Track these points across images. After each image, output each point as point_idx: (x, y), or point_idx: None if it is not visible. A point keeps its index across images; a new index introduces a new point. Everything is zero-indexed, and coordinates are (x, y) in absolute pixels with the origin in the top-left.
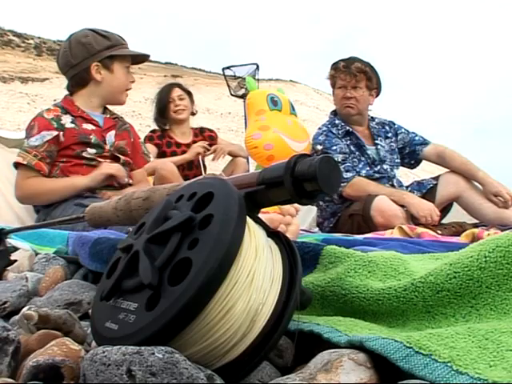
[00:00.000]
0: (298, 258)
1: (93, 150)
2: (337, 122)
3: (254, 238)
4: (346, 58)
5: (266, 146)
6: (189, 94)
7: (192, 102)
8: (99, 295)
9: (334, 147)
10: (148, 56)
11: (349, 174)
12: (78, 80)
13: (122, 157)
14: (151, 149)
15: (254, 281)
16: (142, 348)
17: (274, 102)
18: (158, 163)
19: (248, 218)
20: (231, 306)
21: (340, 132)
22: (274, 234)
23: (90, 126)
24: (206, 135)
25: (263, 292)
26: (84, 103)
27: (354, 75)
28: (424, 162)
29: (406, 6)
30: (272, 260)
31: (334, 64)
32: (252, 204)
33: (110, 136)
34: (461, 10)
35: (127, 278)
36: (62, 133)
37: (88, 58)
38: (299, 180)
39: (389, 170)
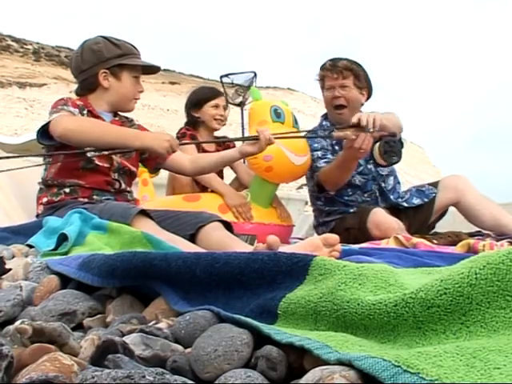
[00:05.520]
0: None
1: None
2: (324, 123)
3: None
4: (332, 58)
5: (266, 157)
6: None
7: None
8: None
9: (316, 144)
10: (159, 68)
11: (322, 164)
12: (87, 85)
13: (118, 160)
14: (192, 149)
15: None
16: (132, 372)
17: (277, 114)
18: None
19: None
20: None
21: (326, 132)
22: None
23: None
24: (226, 146)
25: None
26: (94, 104)
27: (341, 72)
28: (423, 170)
29: (404, 14)
30: None
31: (321, 66)
32: None
33: None
34: (460, 18)
35: None
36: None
37: (97, 64)
38: None
39: (373, 169)
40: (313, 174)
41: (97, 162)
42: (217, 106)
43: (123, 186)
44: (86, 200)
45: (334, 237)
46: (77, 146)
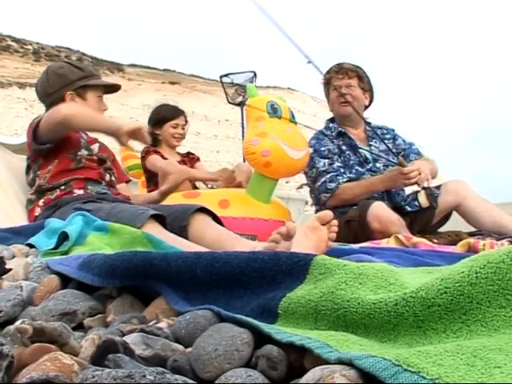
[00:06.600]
0: None
1: (84, 152)
2: (331, 125)
3: None
4: (337, 63)
5: (264, 152)
6: (187, 122)
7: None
8: None
9: (323, 148)
10: (119, 87)
11: (332, 185)
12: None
13: (108, 162)
14: (159, 160)
15: None
16: (133, 371)
17: (273, 109)
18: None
19: None
20: None
21: (333, 134)
22: None
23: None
24: (190, 158)
25: None
26: None
27: (346, 72)
28: None
29: (404, 14)
30: None
31: (327, 71)
32: None
33: (95, 147)
34: (460, 18)
35: None
36: None
37: (63, 87)
38: None
39: (382, 168)
40: (315, 187)
41: (84, 161)
42: (176, 126)
43: (113, 178)
44: (81, 192)
45: (328, 213)
46: (73, 130)
